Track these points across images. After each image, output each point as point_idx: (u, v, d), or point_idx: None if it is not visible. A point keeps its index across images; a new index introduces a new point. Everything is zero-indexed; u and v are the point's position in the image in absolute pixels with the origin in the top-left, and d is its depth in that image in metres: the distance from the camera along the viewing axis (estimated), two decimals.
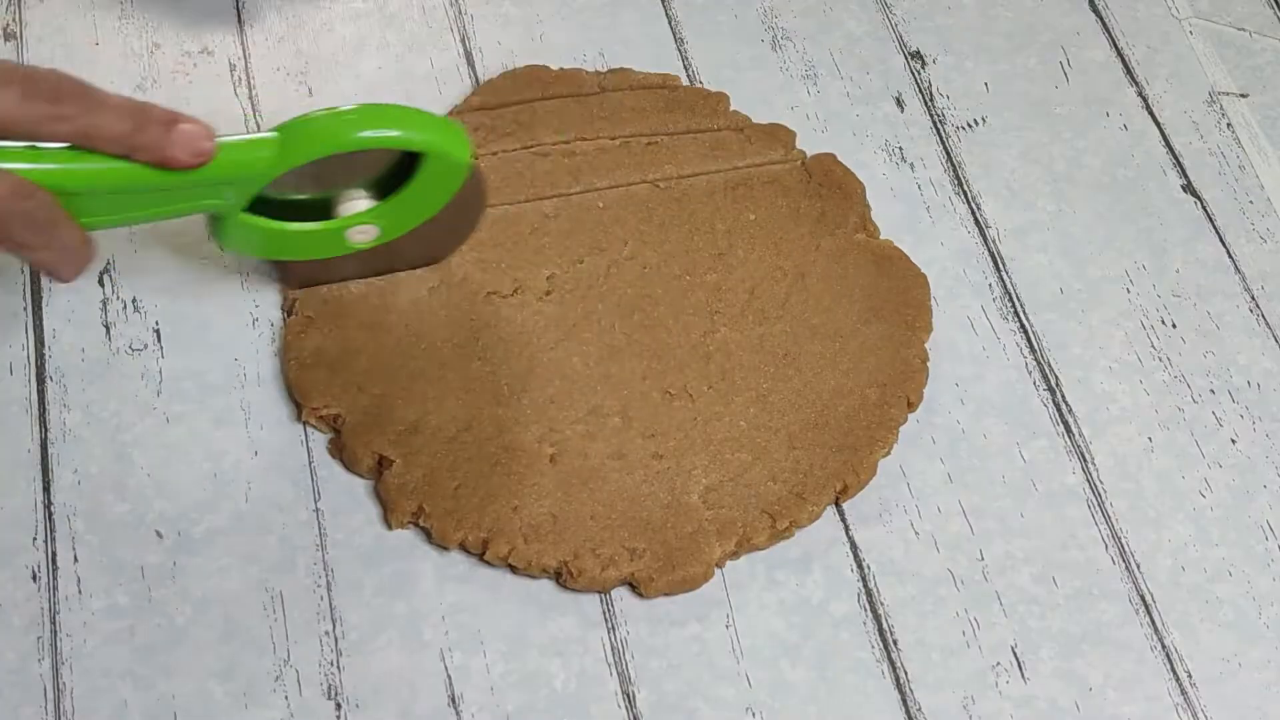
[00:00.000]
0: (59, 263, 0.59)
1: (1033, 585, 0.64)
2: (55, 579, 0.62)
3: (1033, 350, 0.70)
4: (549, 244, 0.70)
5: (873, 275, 0.70)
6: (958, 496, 0.66)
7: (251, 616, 0.61)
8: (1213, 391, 0.69)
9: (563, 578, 0.62)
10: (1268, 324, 0.71)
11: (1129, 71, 0.80)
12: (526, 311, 0.68)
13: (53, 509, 0.63)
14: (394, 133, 0.62)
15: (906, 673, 0.61)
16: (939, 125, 0.77)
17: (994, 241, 0.73)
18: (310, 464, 0.65)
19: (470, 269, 0.69)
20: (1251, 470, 0.67)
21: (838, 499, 0.65)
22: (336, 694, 0.60)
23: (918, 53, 0.80)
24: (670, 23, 0.80)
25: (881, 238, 0.72)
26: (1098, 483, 0.66)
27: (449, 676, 0.60)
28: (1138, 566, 0.64)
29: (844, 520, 0.65)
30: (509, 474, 0.64)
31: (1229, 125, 0.78)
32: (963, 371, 0.69)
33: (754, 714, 0.60)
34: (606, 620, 0.62)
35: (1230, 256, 0.73)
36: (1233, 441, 0.68)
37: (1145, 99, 0.79)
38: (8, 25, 0.76)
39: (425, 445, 0.64)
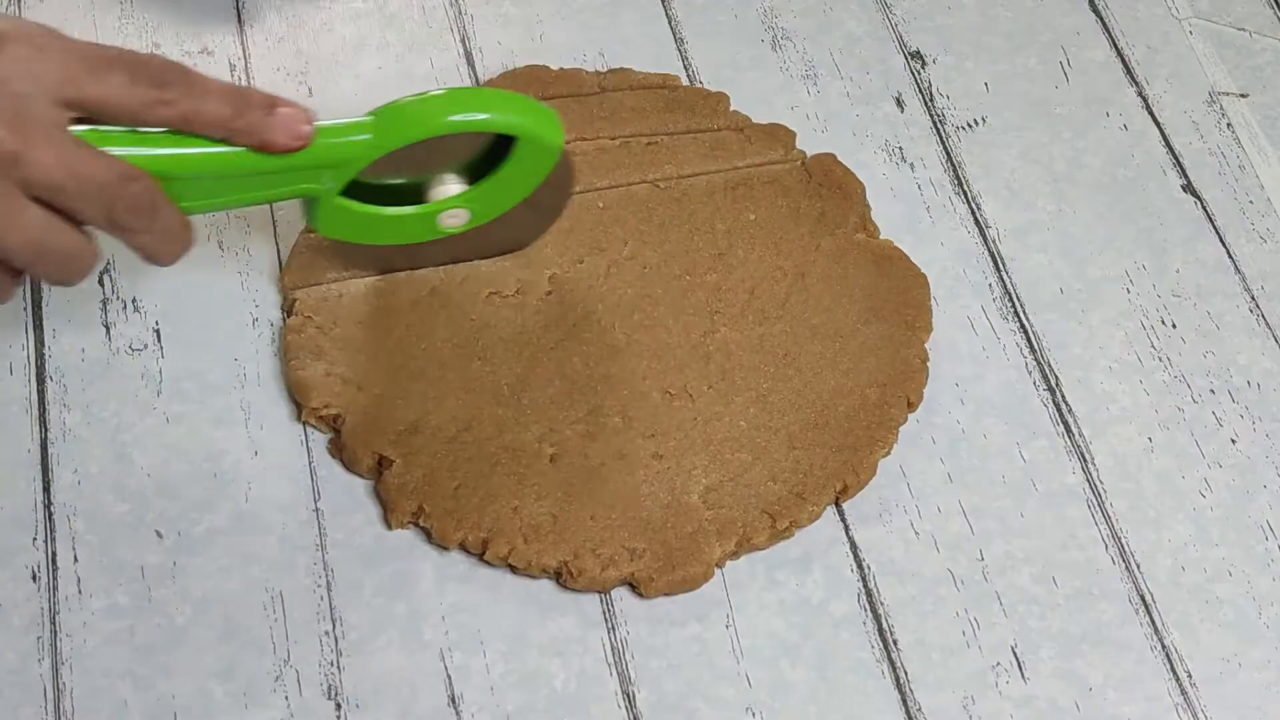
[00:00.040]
0: (159, 247, 0.59)
1: (1033, 585, 0.64)
2: (55, 579, 0.62)
3: (1033, 350, 0.70)
4: (549, 244, 0.70)
5: (873, 275, 0.70)
6: (958, 496, 0.66)
7: (251, 616, 0.61)
8: (1213, 391, 0.69)
9: (563, 578, 0.62)
10: (1268, 324, 0.71)
11: (1129, 71, 0.80)
12: (526, 311, 0.68)
13: (53, 509, 0.63)
14: (490, 116, 0.62)
15: (906, 673, 0.61)
16: (939, 125, 0.77)
17: (994, 241, 0.73)
18: (310, 464, 0.65)
19: (470, 269, 0.69)
20: (1251, 470, 0.67)
21: (838, 499, 0.65)
22: (336, 694, 0.60)
23: (918, 53, 0.80)
24: (670, 23, 0.80)
25: (881, 238, 0.72)
26: (1098, 483, 0.66)
27: (449, 676, 0.60)
28: (1138, 566, 0.64)
29: (844, 520, 0.65)
30: (509, 474, 0.64)
31: (1229, 125, 0.78)
32: (963, 371, 0.69)
33: (754, 714, 0.60)
34: (606, 620, 0.62)
35: (1230, 256, 0.73)
36: (1233, 441, 0.68)
37: (1145, 99, 0.79)
38: None
39: (425, 445, 0.64)
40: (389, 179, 0.64)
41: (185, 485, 0.64)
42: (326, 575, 0.62)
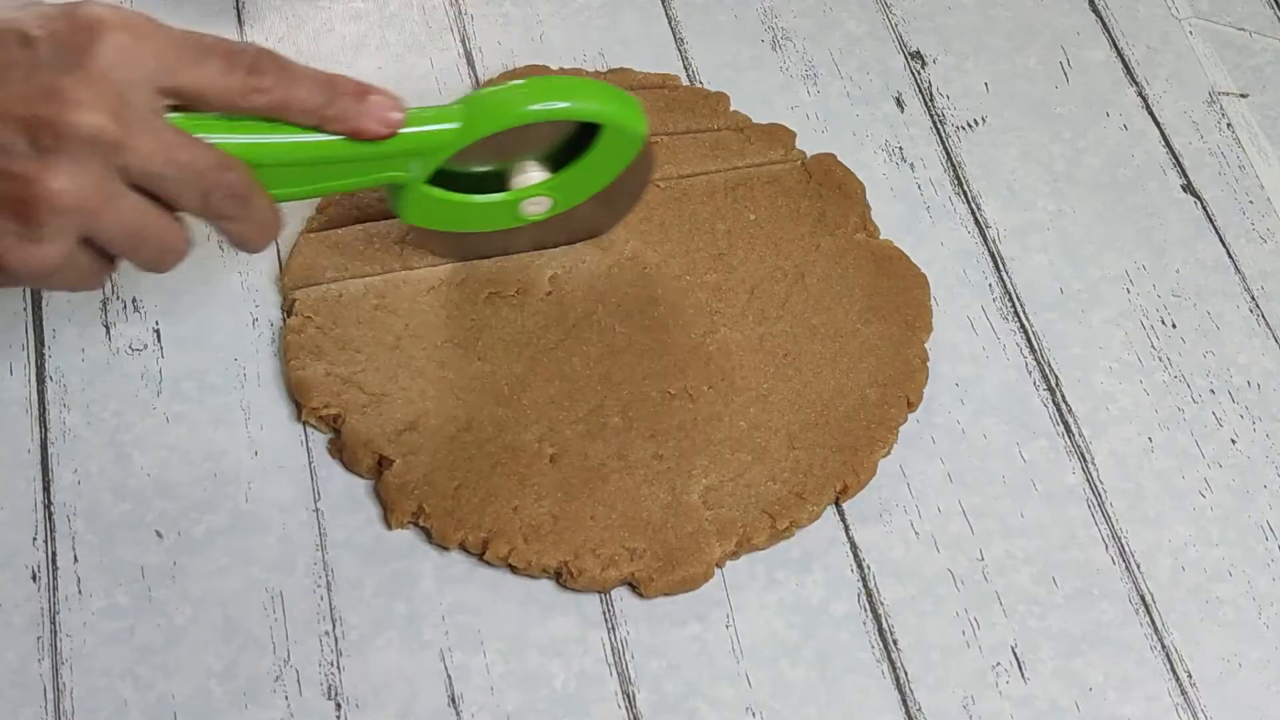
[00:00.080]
0: (252, 234, 0.59)
1: (1033, 585, 0.64)
2: (55, 579, 0.62)
3: (1033, 350, 0.70)
4: (550, 243, 0.70)
5: (873, 275, 0.70)
6: (958, 496, 0.66)
7: (251, 616, 0.61)
8: (1213, 391, 0.69)
9: (563, 578, 0.62)
10: (1268, 324, 0.71)
11: (1129, 71, 0.80)
12: (526, 311, 0.68)
13: (53, 509, 0.63)
14: (578, 105, 0.63)
15: (906, 673, 0.61)
16: (939, 125, 0.77)
17: (994, 241, 0.73)
18: (310, 464, 0.65)
19: (471, 268, 0.69)
20: (1251, 470, 0.67)
21: (838, 499, 0.65)
22: (336, 694, 0.60)
23: (918, 53, 0.80)
24: (670, 23, 0.80)
25: (881, 238, 0.72)
26: (1098, 483, 0.66)
27: (449, 676, 0.60)
28: (1138, 566, 0.64)
29: (844, 520, 0.65)
30: (509, 474, 0.64)
31: (1229, 125, 0.78)
32: (963, 371, 0.69)
33: (754, 714, 0.60)
34: (606, 620, 0.62)
35: (1230, 256, 0.73)
36: (1233, 441, 0.68)
37: (1145, 99, 0.79)
38: None
39: (425, 445, 0.64)
40: (473, 167, 0.65)
41: (185, 485, 0.64)
42: (326, 575, 0.62)
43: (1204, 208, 0.75)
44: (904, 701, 0.61)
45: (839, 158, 0.74)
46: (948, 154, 0.76)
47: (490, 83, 0.75)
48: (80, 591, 0.61)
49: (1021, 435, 0.67)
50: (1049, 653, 0.62)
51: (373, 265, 0.69)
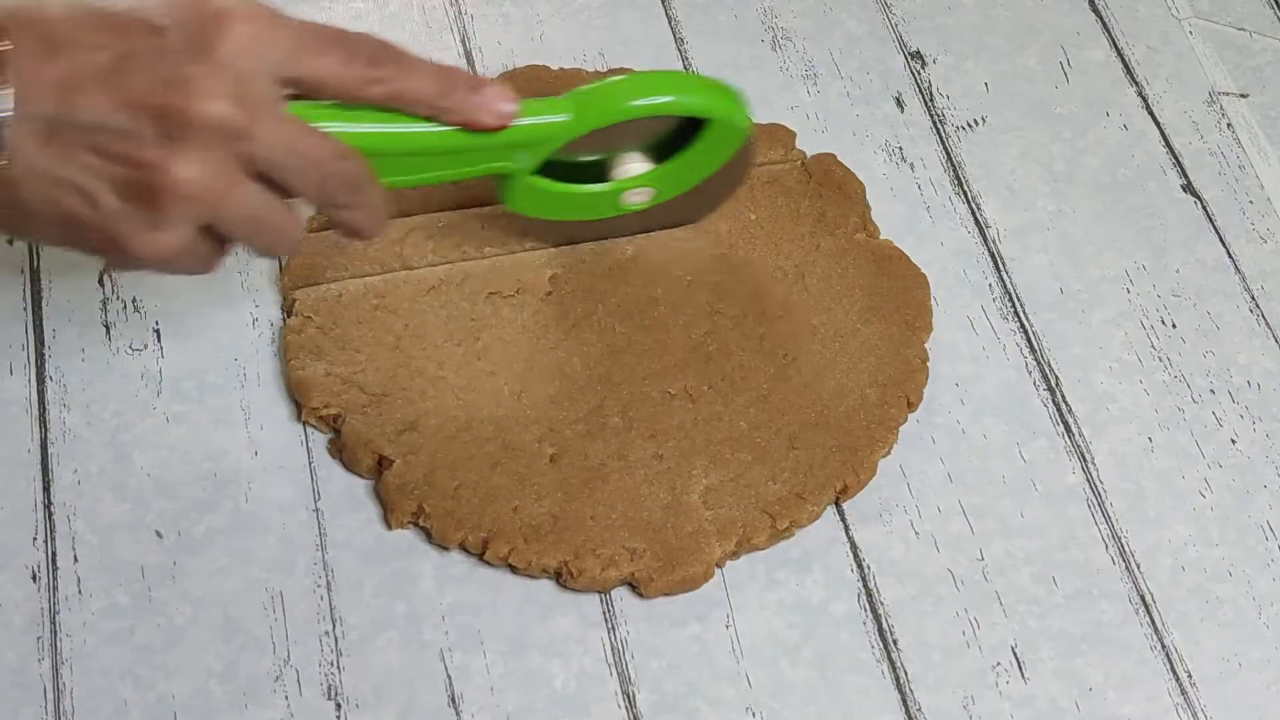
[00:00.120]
0: (365, 222, 0.60)
1: (1033, 585, 0.64)
2: (55, 579, 0.62)
3: (1033, 350, 0.70)
4: (550, 243, 0.70)
5: (873, 275, 0.70)
6: (958, 496, 0.66)
7: (251, 616, 0.61)
8: (1213, 391, 0.69)
9: (563, 578, 0.62)
10: (1268, 324, 0.71)
11: (1129, 71, 0.80)
12: (526, 311, 0.68)
13: (53, 509, 0.63)
14: (688, 100, 0.65)
15: (906, 673, 0.61)
16: (939, 125, 0.77)
17: (994, 241, 0.73)
18: (310, 464, 0.65)
19: (470, 269, 0.69)
20: (1251, 470, 0.67)
21: (838, 499, 0.65)
22: (336, 694, 0.60)
23: (918, 53, 0.80)
24: (670, 23, 0.80)
25: (881, 238, 0.72)
26: (1098, 483, 0.66)
27: (449, 676, 0.60)
28: (1138, 566, 0.64)
29: (844, 520, 0.65)
30: (509, 474, 0.64)
31: (1229, 125, 0.78)
32: (963, 371, 0.69)
33: (754, 714, 0.60)
34: (606, 620, 0.62)
35: (1230, 256, 0.73)
36: (1233, 441, 0.68)
37: (1145, 99, 0.79)
38: None
39: (425, 445, 0.64)
40: (579, 157, 0.66)
41: (185, 485, 0.64)
42: (326, 575, 0.62)
43: (1204, 208, 0.75)
44: (904, 701, 0.61)
45: (839, 158, 0.74)
46: (948, 154, 0.76)
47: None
48: (80, 591, 0.61)
49: (1021, 435, 0.67)
50: (1049, 653, 0.62)
51: (373, 265, 0.69)
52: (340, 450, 0.65)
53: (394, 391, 0.65)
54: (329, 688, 0.60)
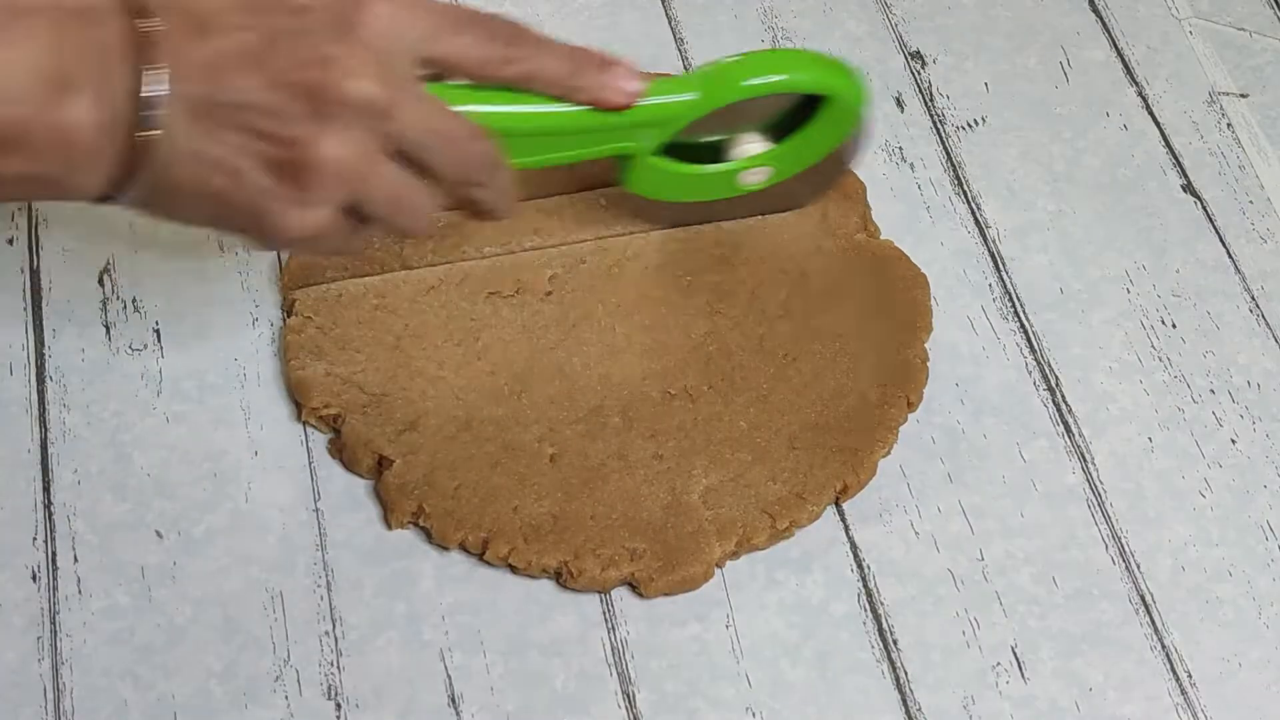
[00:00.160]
0: (497, 201, 0.60)
1: (1033, 585, 0.64)
2: (55, 579, 0.62)
3: (1033, 350, 0.70)
4: (550, 243, 0.70)
5: (873, 275, 0.70)
6: (958, 496, 0.66)
7: (251, 616, 0.61)
8: (1213, 391, 0.69)
9: (563, 578, 0.62)
10: (1268, 324, 0.71)
11: (1129, 71, 0.80)
12: (526, 311, 0.68)
13: (53, 509, 0.63)
14: (813, 78, 0.65)
15: (906, 673, 0.61)
16: (939, 125, 0.77)
17: (994, 241, 0.73)
18: (310, 464, 0.65)
19: (470, 269, 0.69)
20: (1251, 470, 0.67)
21: (838, 499, 0.65)
22: (336, 694, 0.60)
23: (918, 53, 0.80)
24: (670, 23, 0.80)
25: (881, 238, 0.72)
26: (1098, 483, 0.66)
27: (449, 676, 0.60)
28: (1138, 566, 0.64)
29: (844, 520, 0.65)
30: (509, 474, 0.64)
31: (1229, 125, 0.78)
32: (963, 371, 0.69)
33: (754, 714, 0.60)
34: (606, 620, 0.62)
35: (1230, 256, 0.73)
36: (1233, 441, 0.68)
37: (1145, 99, 0.79)
38: None
39: (425, 445, 0.64)
40: (700, 138, 0.66)
41: (185, 485, 0.64)
42: (326, 575, 0.62)
43: (1204, 208, 0.75)
44: (904, 701, 0.61)
45: None
46: (948, 154, 0.76)
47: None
48: (80, 591, 0.61)
49: (1021, 435, 0.67)
50: (1049, 653, 0.62)
51: (373, 265, 0.69)
52: (340, 450, 0.65)
53: (394, 391, 0.65)
54: (329, 688, 0.60)
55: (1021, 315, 0.71)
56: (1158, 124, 0.78)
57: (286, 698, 0.60)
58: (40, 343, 0.67)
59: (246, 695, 0.59)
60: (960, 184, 0.75)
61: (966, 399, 0.68)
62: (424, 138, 0.55)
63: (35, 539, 0.62)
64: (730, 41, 0.79)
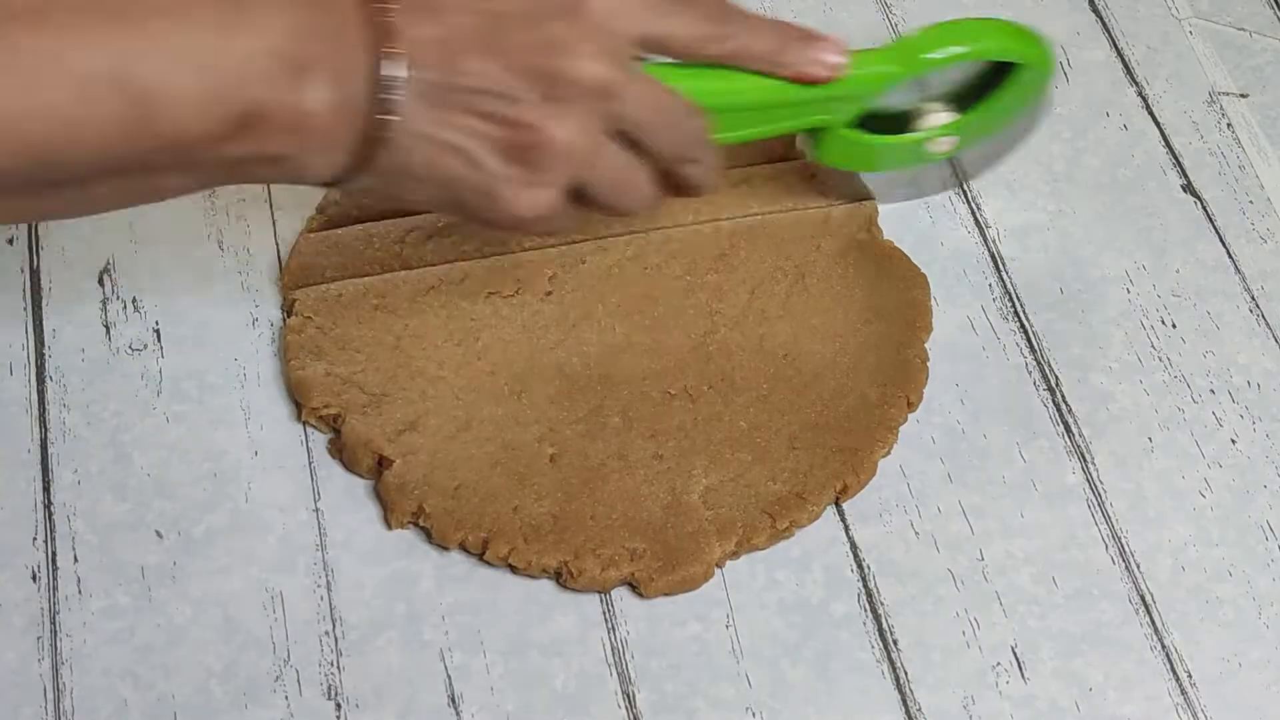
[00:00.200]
0: (706, 176, 0.61)
1: (1033, 585, 0.64)
2: (55, 579, 0.62)
3: (1033, 350, 0.70)
4: (550, 243, 0.70)
5: (873, 275, 0.70)
6: (958, 496, 0.66)
7: (251, 616, 0.61)
8: (1213, 391, 0.69)
9: (563, 578, 0.62)
10: (1268, 324, 0.71)
11: (1129, 71, 0.80)
12: (526, 311, 0.68)
13: (53, 509, 0.63)
14: (1007, 45, 0.66)
15: (906, 673, 0.61)
16: None
17: (994, 241, 0.73)
18: (310, 464, 0.65)
19: (470, 269, 0.69)
20: (1251, 470, 0.67)
21: (838, 499, 0.65)
22: (336, 694, 0.60)
23: None
24: None
25: (882, 238, 0.72)
26: (1098, 483, 0.66)
27: (449, 676, 0.60)
28: (1138, 566, 0.64)
29: (844, 520, 0.65)
30: (509, 474, 0.64)
31: (1229, 125, 0.78)
32: (963, 371, 0.69)
33: (754, 714, 0.60)
34: (606, 620, 0.62)
35: (1230, 256, 0.73)
36: (1233, 441, 0.68)
37: (1145, 99, 0.79)
38: None
39: (425, 445, 0.64)
40: (890, 108, 0.66)
41: (185, 485, 0.64)
42: (326, 575, 0.62)
43: (1204, 208, 0.75)
44: (904, 701, 0.61)
45: None
46: None
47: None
48: (80, 591, 0.61)
49: (1021, 435, 0.67)
50: (1049, 653, 0.62)
51: (372, 265, 0.69)
52: (340, 450, 0.65)
53: (394, 391, 0.65)
54: (329, 688, 0.60)
55: (1021, 315, 0.71)
56: (1158, 124, 0.78)
57: (286, 698, 0.60)
58: (40, 343, 0.67)
59: (246, 695, 0.59)
60: (960, 184, 0.75)
61: (966, 399, 0.68)
62: (646, 117, 0.56)
63: (35, 539, 0.62)
64: None
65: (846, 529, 0.65)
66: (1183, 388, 0.69)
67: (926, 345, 0.68)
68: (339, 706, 0.59)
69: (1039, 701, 0.61)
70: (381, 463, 0.64)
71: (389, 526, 0.63)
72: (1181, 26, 0.82)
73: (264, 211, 0.71)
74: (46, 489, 0.64)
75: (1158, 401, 0.69)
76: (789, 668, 0.61)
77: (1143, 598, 0.64)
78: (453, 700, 0.60)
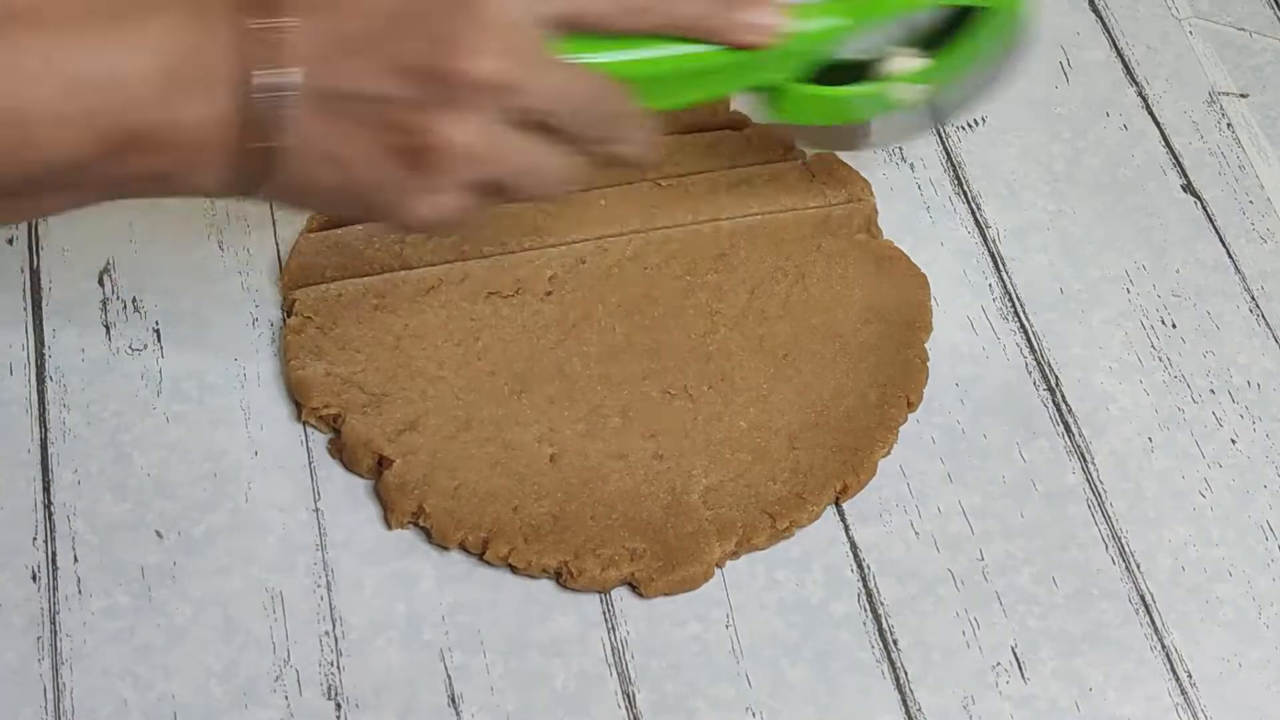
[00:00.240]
0: (634, 152, 0.58)
1: (1033, 585, 0.64)
2: (55, 579, 0.62)
3: (1033, 350, 0.70)
4: (550, 244, 0.70)
5: (873, 275, 0.70)
6: (958, 496, 0.66)
7: (251, 616, 0.61)
8: (1213, 391, 0.69)
9: (563, 578, 0.62)
10: (1268, 324, 0.71)
11: (1129, 71, 0.80)
12: (526, 311, 0.68)
13: (53, 509, 0.63)
14: None
15: (906, 673, 0.61)
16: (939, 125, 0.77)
17: (994, 241, 0.73)
18: (310, 464, 0.65)
19: (470, 269, 0.69)
20: (1251, 470, 0.67)
21: (838, 499, 0.65)
22: (336, 694, 0.60)
23: None
24: None
25: (882, 238, 0.72)
26: (1098, 483, 0.66)
27: (449, 676, 0.60)
28: (1138, 566, 0.64)
29: (844, 520, 0.65)
30: (509, 474, 0.64)
31: (1229, 125, 0.78)
32: (963, 371, 0.69)
33: (754, 714, 0.60)
34: (606, 620, 0.62)
35: (1230, 256, 0.73)
36: (1233, 441, 0.68)
37: (1145, 99, 0.79)
38: None
39: (425, 445, 0.64)
40: (848, 58, 0.63)
41: (185, 485, 0.64)
42: (326, 575, 0.62)
43: (1204, 208, 0.75)
44: (904, 701, 0.61)
45: (840, 156, 0.74)
46: (948, 154, 0.76)
47: None
48: (80, 591, 0.61)
49: (1021, 435, 0.67)
50: (1049, 653, 0.62)
51: (372, 265, 0.69)
52: (340, 450, 0.65)
53: (394, 391, 0.65)
54: (329, 688, 0.60)
55: (1021, 315, 0.71)
56: (1158, 124, 0.78)
57: (286, 698, 0.59)
58: (40, 343, 0.67)
59: (246, 695, 0.59)
60: (960, 184, 0.75)
61: (966, 399, 0.68)
62: (555, 106, 0.54)
63: (35, 539, 0.62)
64: None
65: (846, 529, 0.65)
66: (1183, 388, 0.69)
67: (926, 345, 0.69)
68: (339, 706, 0.59)
69: (1039, 701, 0.61)
70: (381, 463, 0.64)
71: (389, 526, 0.63)
72: (1181, 26, 0.82)
73: (264, 211, 0.71)
74: (46, 489, 0.64)
75: (1158, 401, 0.69)
76: (789, 668, 0.61)
77: (1143, 598, 0.64)
78: (453, 700, 0.60)
